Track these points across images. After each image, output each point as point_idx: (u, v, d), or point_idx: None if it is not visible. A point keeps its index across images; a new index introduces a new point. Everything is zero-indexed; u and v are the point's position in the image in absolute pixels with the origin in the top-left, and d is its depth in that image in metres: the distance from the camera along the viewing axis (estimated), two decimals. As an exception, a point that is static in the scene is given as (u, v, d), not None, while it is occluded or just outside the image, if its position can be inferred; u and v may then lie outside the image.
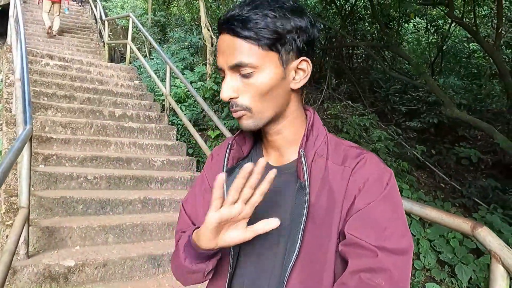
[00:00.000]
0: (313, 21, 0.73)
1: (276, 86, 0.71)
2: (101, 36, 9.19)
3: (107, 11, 11.16)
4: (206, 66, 7.76)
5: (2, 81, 5.98)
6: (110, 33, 8.39)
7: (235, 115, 0.74)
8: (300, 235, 0.70)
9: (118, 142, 4.27)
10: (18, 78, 4.02)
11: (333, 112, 7.62)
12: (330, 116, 8.01)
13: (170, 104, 5.06)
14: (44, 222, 2.89)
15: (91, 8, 10.82)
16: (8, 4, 9.22)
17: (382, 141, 6.99)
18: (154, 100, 5.81)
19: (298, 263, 0.70)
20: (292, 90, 0.75)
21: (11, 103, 4.23)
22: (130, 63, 7.37)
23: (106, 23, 7.83)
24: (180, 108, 5.68)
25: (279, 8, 0.69)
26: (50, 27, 8.20)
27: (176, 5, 13.19)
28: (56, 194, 3.15)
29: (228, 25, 0.70)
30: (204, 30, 7.58)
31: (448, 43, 9.10)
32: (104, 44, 8.36)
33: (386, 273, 0.62)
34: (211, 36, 7.60)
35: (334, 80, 8.40)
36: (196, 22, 10.37)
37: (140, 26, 6.10)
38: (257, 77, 0.70)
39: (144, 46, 10.14)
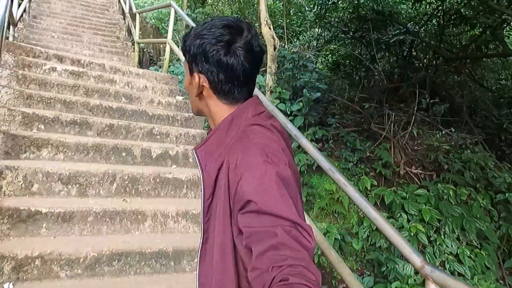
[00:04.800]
0: (209, 48, 0.85)
1: (188, 88, 0.93)
2: (130, 34, 7.48)
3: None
4: (265, 76, 5.90)
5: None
6: (139, 32, 6.67)
7: None
8: (202, 225, 0.87)
9: (158, 213, 2.42)
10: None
11: (435, 144, 5.62)
12: (424, 146, 6.02)
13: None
14: None
15: (119, 2, 9.15)
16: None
17: (513, 190, 4.91)
18: (205, 126, 3.97)
19: (204, 249, 0.87)
20: (204, 95, 0.90)
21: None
22: (161, 67, 5.56)
23: (138, 16, 6.07)
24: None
25: (191, 33, 0.89)
26: None
27: (211, 3, 11.47)
28: None
29: None
30: (265, 29, 5.72)
31: None
32: (133, 43, 6.62)
33: (286, 245, 0.67)
34: (273, 36, 5.73)
35: (428, 99, 6.37)
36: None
37: (187, 18, 4.28)
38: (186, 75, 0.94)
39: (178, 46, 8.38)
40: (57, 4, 8.00)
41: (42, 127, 2.86)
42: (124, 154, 2.90)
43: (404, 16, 7.67)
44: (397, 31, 6.12)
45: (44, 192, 2.34)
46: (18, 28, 6.02)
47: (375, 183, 4.84)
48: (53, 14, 7.36)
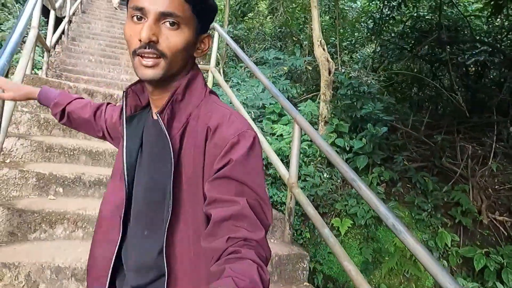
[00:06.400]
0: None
1: (188, 46, 0.77)
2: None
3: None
4: (318, 103, 5.20)
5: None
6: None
7: (146, 61, 0.73)
8: (171, 192, 0.74)
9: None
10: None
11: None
12: (507, 186, 5.05)
13: (297, 204, 2.49)
14: None
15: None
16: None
17: None
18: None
19: (176, 217, 0.74)
20: (192, 57, 0.82)
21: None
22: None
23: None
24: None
25: None
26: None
27: (252, 17, 10.93)
28: None
29: None
30: (319, 51, 5.03)
31: None
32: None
33: (246, 218, 0.65)
34: (327, 59, 5.03)
35: (510, 127, 5.39)
36: (291, 39, 7.90)
37: (233, 44, 3.68)
38: (180, 32, 0.74)
39: (218, 65, 7.85)
40: (97, 24, 7.78)
41: (61, 190, 2.33)
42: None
43: (473, 29, 6.71)
44: (476, 50, 5.21)
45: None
46: (56, 52, 5.75)
47: (457, 238, 3.98)
48: (92, 35, 7.09)
